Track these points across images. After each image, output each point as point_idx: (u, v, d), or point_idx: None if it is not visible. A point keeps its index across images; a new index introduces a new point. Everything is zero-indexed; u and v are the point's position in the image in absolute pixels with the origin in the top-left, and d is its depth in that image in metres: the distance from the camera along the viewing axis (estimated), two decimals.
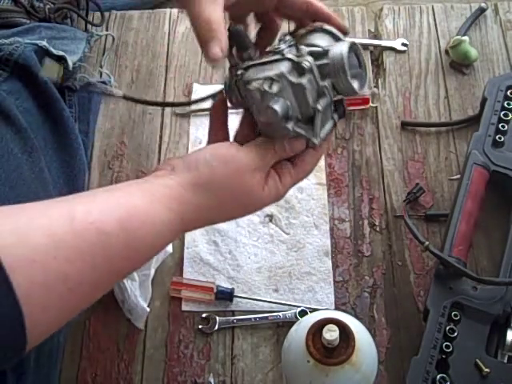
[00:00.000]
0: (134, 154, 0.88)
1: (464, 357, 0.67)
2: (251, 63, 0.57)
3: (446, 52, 0.96)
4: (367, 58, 0.96)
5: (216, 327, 0.75)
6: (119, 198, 0.49)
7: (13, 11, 0.91)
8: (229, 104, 0.61)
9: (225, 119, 0.60)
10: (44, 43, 0.83)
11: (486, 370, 0.66)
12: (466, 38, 0.93)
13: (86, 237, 0.44)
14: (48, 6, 0.93)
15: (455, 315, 0.70)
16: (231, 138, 0.59)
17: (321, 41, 0.58)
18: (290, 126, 0.55)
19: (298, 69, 0.54)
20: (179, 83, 0.94)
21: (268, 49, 0.59)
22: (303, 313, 0.74)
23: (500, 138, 0.81)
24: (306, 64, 0.54)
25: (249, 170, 0.54)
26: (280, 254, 0.80)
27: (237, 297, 0.76)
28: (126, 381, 0.73)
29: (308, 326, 0.55)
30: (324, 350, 0.53)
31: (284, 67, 0.54)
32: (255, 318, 0.75)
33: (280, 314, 0.75)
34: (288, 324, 0.74)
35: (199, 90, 0.93)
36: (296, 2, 0.61)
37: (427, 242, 0.73)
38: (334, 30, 0.59)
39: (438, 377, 0.66)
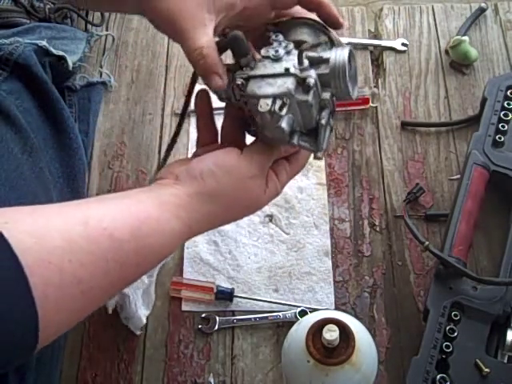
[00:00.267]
0: (133, 153, 0.88)
1: (464, 357, 0.67)
2: (251, 74, 0.57)
3: (446, 52, 0.96)
4: (367, 58, 0.96)
5: (216, 327, 0.75)
6: (130, 206, 0.50)
7: (13, 11, 0.91)
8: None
9: (211, 117, 0.62)
10: (44, 43, 0.83)
11: (486, 369, 0.66)
12: (465, 38, 0.93)
13: (100, 242, 0.46)
14: (48, 6, 0.93)
15: (455, 315, 0.70)
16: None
17: (307, 36, 0.59)
18: (295, 140, 0.56)
19: (303, 85, 0.55)
20: (179, 83, 0.94)
21: (263, 52, 0.58)
22: (303, 313, 0.74)
23: (500, 137, 0.81)
24: (311, 81, 0.54)
25: (251, 177, 0.56)
26: (280, 254, 0.80)
27: (237, 297, 0.76)
28: (125, 381, 0.73)
29: (308, 326, 0.55)
30: (324, 350, 0.53)
31: (291, 84, 0.54)
32: (255, 318, 0.75)
33: (280, 313, 0.75)
34: (288, 324, 0.74)
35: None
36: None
37: (427, 242, 0.73)
38: (318, 23, 0.59)
39: (438, 377, 0.66)
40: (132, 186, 0.85)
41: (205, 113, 0.63)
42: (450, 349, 0.67)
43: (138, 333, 0.74)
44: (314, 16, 0.61)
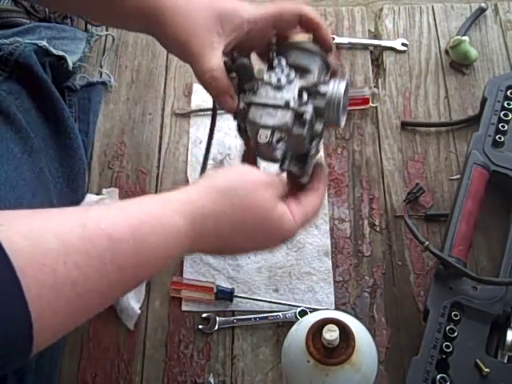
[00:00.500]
0: (134, 154, 0.88)
1: (464, 357, 0.67)
2: (254, 100, 0.61)
3: (446, 52, 0.96)
4: (367, 58, 0.96)
5: (216, 327, 0.75)
6: (131, 206, 0.50)
7: (13, 11, 0.91)
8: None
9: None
10: (44, 43, 0.83)
11: (486, 369, 0.66)
12: (465, 38, 0.93)
13: (97, 242, 0.45)
14: None
15: (455, 315, 0.70)
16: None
17: (307, 62, 0.63)
18: (285, 166, 0.61)
19: (300, 119, 0.59)
20: (179, 83, 0.94)
21: (266, 78, 0.62)
22: (303, 313, 0.74)
23: (500, 137, 0.81)
24: (307, 117, 0.59)
25: (263, 184, 0.56)
26: (280, 254, 0.80)
27: (237, 297, 0.76)
28: (125, 381, 0.73)
29: (308, 326, 0.55)
30: (324, 350, 0.53)
31: (289, 118, 0.59)
32: (255, 318, 0.75)
33: (280, 313, 0.75)
34: (288, 324, 0.74)
35: (199, 90, 0.93)
36: (290, 19, 0.65)
37: (427, 242, 0.73)
38: (317, 49, 0.64)
39: (438, 377, 0.66)
40: (132, 186, 0.85)
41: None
42: (450, 349, 0.67)
43: (132, 327, 0.74)
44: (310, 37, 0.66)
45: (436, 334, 0.68)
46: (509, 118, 0.83)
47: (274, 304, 0.76)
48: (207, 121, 0.89)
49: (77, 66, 0.91)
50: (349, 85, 0.62)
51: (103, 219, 0.47)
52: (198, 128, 0.90)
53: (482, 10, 0.99)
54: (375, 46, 0.98)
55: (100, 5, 0.65)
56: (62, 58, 0.86)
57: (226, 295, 0.76)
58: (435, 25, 0.99)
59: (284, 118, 0.59)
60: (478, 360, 0.67)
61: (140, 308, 0.75)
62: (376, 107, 0.91)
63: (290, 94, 0.60)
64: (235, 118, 0.64)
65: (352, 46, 0.97)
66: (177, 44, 0.63)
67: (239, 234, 0.55)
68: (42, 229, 0.43)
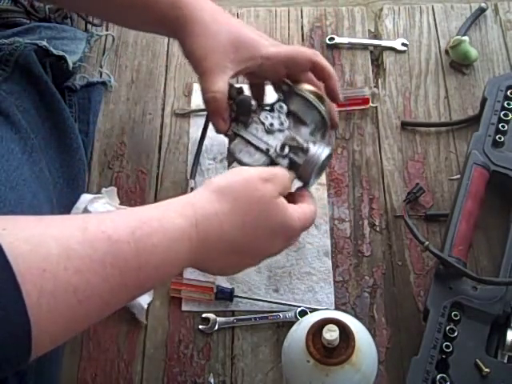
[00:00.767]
0: (134, 154, 0.88)
1: (464, 357, 0.67)
2: (242, 134, 0.67)
3: (446, 52, 0.96)
4: (367, 58, 0.96)
5: (216, 327, 0.75)
6: (132, 210, 0.51)
7: (13, 11, 0.91)
8: None
9: None
10: (44, 43, 0.83)
11: (486, 369, 0.66)
12: (466, 38, 0.93)
13: (97, 245, 0.45)
14: (48, 6, 0.93)
15: (455, 315, 0.70)
16: None
17: (305, 111, 0.68)
18: None
19: (274, 166, 0.64)
20: (179, 83, 0.94)
21: (262, 117, 0.67)
22: (303, 313, 0.74)
23: (500, 137, 0.81)
24: (281, 165, 0.64)
25: (260, 178, 0.57)
26: (280, 254, 0.79)
27: (237, 297, 0.76)
28: (125, 381, 0.73)
29: (308, 326, 0.55)
30: (324, 350, 0.53)
31: (263, 162, 0.64)
32: (255, 318, 0.75)
33: (280, 314, 0.75)
34: (288, 324, 0.74)
35: (199, 90, 0.92)
36: (303, 63, 0.70)
37: (427, 242, 0.73)
38: (318, 105, 0.68)
39: (438, 377, 0.66)
40: (132, 186, 0.85)
41: None
42: (450, 349, 0.67)
43: (144, 320, 0.74)
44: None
45: (436, 334, 0.68)
46: (509, 118, 0.83)
47: (274, 304, 0.76)
48: None
49: (77, 65, 0.91)
50: (332, 153, 0.67)
51: (103, 222, 0.47)
52: (198, 128, 0.90)
53: (482, 10, 0.99)
54: (375, 46, 0.98)
55: (137, 11, 0.70)
56: (62, 58, 0.86)
57: (226, 295, 0.76)
58: (435, 25, 0.99)
59: (259, 161, 0.65)
60: (477, 360, 0.67)
61: (151, 301, 0.75)
62: (376, 107, 0.91)
63: (276, 141, 0.65)
64: (225, 136, 0.69)
65: (352, 46, 0.97)
66: (193, 57, 0.68)
67: (243, 232, 0.55)
68: (42, 234, 0.43)
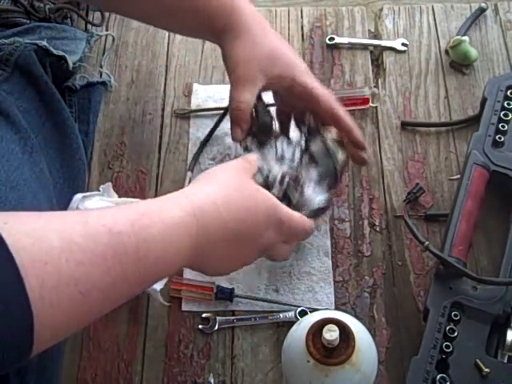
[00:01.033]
0: (133, 154, 0.88)
1: (464, 357, 0.67)
2: (252, 150, 0.69)
3: (446, 52, 0.96)
4: (367, 58, 0.96)
5: (216, 327, 0.75)
6: (132, 204, 0.52)
7: (13, 11, 0.91)
8: None
9: None
10: (44, 43, 0.83)
11: (486, 369, 0.66)
12: (466, 38, 0.93)
13: (98, 238, 0.45)
14: (48, 6, 0.93)
15: (455, 315, 0.70)
16: None
17: (320, 157, 0.69)
18: None
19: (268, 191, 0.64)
20: (179, 83, 0.94)
21: (279, 146, 0.69)
22: (303, 313, 0.74)
23: (500, 137, 0.81)
24: (274, 195, 0.64)
25: (246, 172, 0.61)
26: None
27: (237, 297, 0.76)
28: (125, 381, 0.73)
29: (308, 326, 0.55)
30: (324, 350, 0.53)
31: (259, 184, 0.64)
32: (255, 318, 0.75)
33: (280, 314, 0.75)
34: (288, 324, 0.74)
35: (199, 90, 0.93)
36: (324, 109, 0.71)
37: (427, 242, 0.73)
38: (335, 156, 0.71)
39: (438, 377, 0.66)
40: (132, 186, 0.85)
41: None
42: (450, 349, 0.67)
43: (165, 302, 0.74)
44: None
45: (436, 334, 0.68)
46: (509, 118, 0.83)
47: (274, 304, 0.76)
48: (207, 121, 0.90)
49: (77, 66, 0.92)
50: (329, 206, 0.70)
51: (103, 216, 0.47)
52: (198, 128, 0.90)
53: (482, 10, 0.99)
54: (375, 46, 0.98)
55: (184, 16, 0.72)
56: (62, 58, 0.86)
57: (226, 295, 0.76)
58: (435, 25, 0.99)
59: (257, 181, 0.65)
60: (477, 360, 0.67)
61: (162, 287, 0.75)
62: (376, 107, 0.91)
63: (280, 171, 0.66)
64: (240, 144, 0.71)
65: (352, 46, 0.97)
66: (228, 63, 0.70)
67: (236, 216, 0.57)
68: (44, 227, 0.44)
